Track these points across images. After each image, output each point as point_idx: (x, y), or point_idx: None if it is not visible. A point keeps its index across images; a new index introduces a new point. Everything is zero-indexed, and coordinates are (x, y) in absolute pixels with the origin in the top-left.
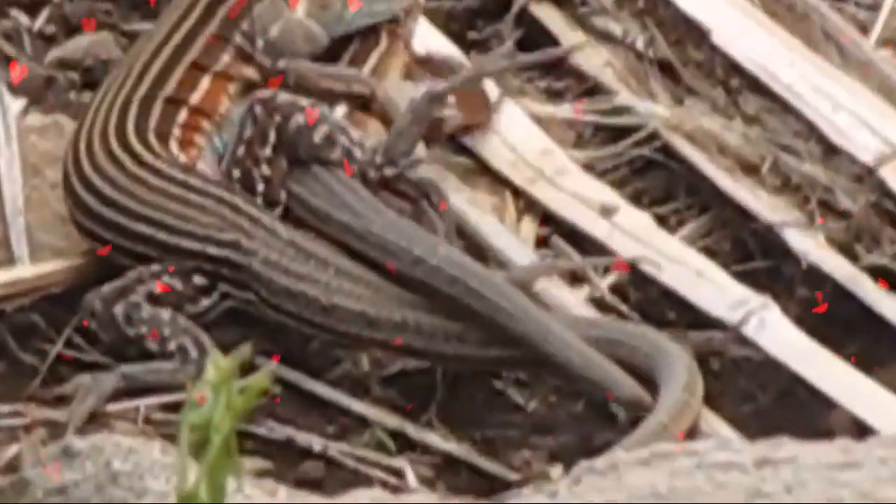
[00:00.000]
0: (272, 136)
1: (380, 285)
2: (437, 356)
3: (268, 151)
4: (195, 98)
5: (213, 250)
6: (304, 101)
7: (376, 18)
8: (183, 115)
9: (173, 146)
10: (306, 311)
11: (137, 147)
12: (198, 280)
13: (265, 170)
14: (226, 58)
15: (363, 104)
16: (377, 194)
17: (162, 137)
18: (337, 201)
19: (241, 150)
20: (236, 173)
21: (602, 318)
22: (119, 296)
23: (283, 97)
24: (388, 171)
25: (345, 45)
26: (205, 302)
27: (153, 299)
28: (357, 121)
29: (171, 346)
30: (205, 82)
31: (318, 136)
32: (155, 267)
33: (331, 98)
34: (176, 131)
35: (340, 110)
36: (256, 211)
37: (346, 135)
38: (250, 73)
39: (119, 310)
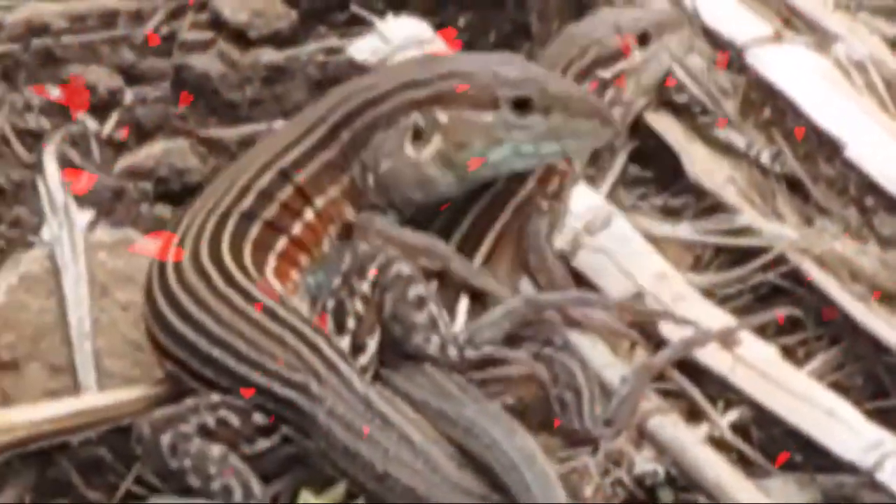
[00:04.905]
0: (371, 274)
1: (439, 465)
2: None
3: (365, 287)
4: (297, 229)
5: (279, 389)
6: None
7: (536, 161)
8: (282, 244)
9: (269, 274)
10: (361, 473)
11: (231, 266)
12: (258, 418)
13: (359, 305)
14: (333, 191)
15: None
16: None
17: (258, 264)
18: (438, 391)
19: (337, 281)
20: (330, 304)
21: None
22: (168, 423)
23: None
24: (470, 353)
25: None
26: (263, 443)
27: (206, 432)
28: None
29: (215, 485)
30: (308, 214)
31: (411, 293)
32: (214, 397)
33: None
34: (272, 261)
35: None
36: (337, 357)
37: (438, 306)
38: (351, 215)
39: (166, 439)
